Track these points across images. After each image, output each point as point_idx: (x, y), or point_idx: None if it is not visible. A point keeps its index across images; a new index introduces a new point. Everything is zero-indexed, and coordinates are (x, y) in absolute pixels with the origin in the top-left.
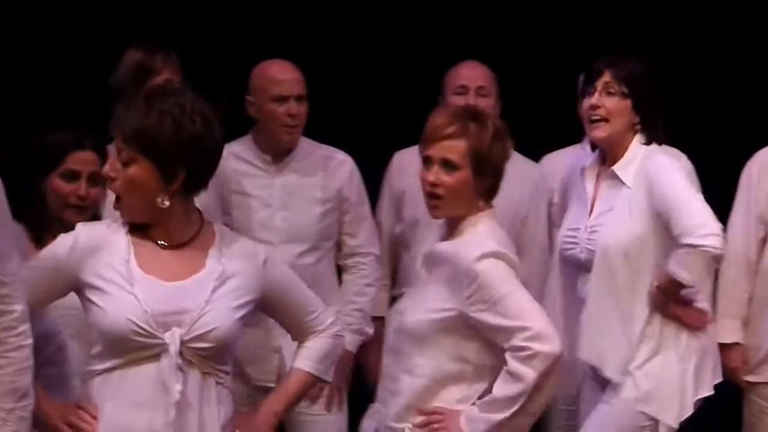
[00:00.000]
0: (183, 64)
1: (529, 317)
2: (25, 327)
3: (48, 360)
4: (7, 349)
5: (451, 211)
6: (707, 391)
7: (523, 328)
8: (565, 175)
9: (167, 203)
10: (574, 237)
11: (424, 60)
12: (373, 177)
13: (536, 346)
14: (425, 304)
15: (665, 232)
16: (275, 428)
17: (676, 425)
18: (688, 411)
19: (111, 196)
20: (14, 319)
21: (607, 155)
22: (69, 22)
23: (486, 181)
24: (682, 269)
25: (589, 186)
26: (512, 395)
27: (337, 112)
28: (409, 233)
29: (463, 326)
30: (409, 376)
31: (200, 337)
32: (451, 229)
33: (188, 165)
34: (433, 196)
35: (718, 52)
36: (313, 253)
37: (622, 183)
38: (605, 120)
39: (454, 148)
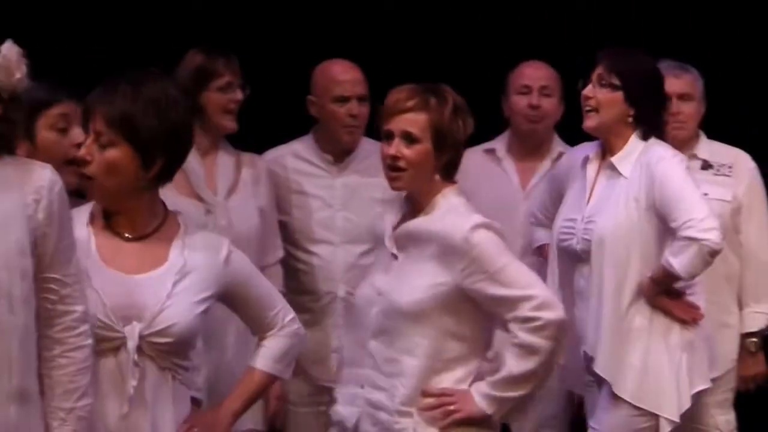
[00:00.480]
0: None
1: (531, 286)
2: (86, 327)
3: None
4: (67, 349)
5: (412, 184)
6: (703, 385)
7: (528, 297)
8: (565, 169)
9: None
10: (571, 227)
11: (477, 61)
12: None
13: (545, 314)
14: (414, 282)
15: (657, 224)
16: (231, 428)
17: (677, 418)
18: (687, 404)
19: None
20: (75, 319)
21: (605, 147)
22: (69, 22)
23: (446, 155)
24: (678, 262)
25: (590, 177)
26: (532, 370)
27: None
28: None
29: (459, 301)
30: (410, 357)
31: (160, 333)
32: (417, 206)
33: (167, 153)
34: (393, 169)
35: (718, 52)
36: (373, 253)
37: (620, 174)
38: (595, 110)
39: (415, 122)
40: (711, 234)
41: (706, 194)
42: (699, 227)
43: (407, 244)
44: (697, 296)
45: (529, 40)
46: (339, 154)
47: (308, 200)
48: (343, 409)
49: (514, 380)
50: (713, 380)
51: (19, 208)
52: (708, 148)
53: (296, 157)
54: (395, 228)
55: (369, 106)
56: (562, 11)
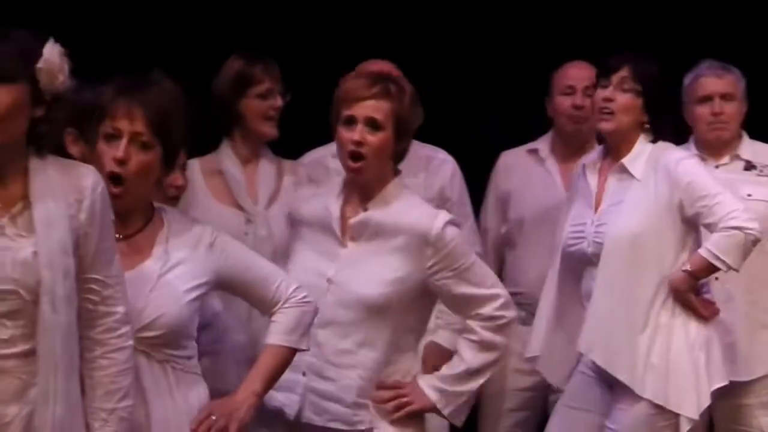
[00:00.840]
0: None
1: (495, 285)
2: (127, 329)
3: (206, 351)
4: (108, 350)
5: (371, 172)
6: (721, 381)
7: (495, 297)
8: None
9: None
10: (580, 231)
11: (532, 60)
12: (473, 177)
13: (508, 314)
14: (379, 275)
15: (679, 226)
16: (256, 408)
17: (697, 416)
18: (706, 402)
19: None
20: (116, 320)
21: (612, 150)
22: (69, 22)
23: (402, 144)
24: (725, 252)
25: (592, 182)
26: (489, 364)
27: (438, 112)
28: (515, 233)
29: (419, 295)
30: (368, 349)
31: (148, 327)
32: (368, 194)
33: (178, 155)
34: (355, 156)
35: (718, 53)
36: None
37: (632, 176)
38: (612, 113)
39: (379, 108)
40: (754, 224)
41: (749, 195)
42: (742, 218)
43: (364, 234)
44: (709, 295)
45: (529, 40)
46: None
47: None
48: (282, 396)
49: (469, 375)
50: (756, 381)
51: (62, 208)
52: (751, 148)
53: (337, 158)
54: (344, 217)
55: None
56: (562, 11)
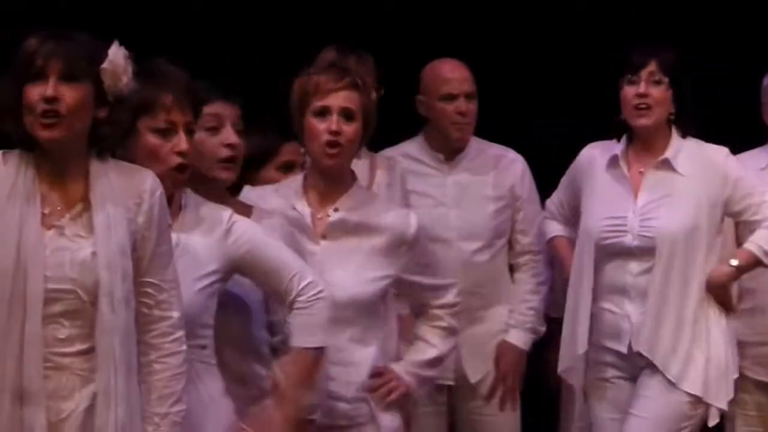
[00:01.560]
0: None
1: (447, 275)
2: (181, 333)
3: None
4: (162, 355)
5: (346, 162)
6: (736, 373)
7: (453, 285)
8: (584, 168)
9: None
10: (621, 225)
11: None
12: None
13: (461, 299)
14: (365, 273)
15: (717, 222)
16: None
17: (727, 408)
18: (732, 393)
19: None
20: (171, 325)
21: (643, 144)
22: (68, 22)
23: (364, 138)
24: None
25: (627, 174)
26: (452, 347)
27: (506, 111)
28: None
29: (391, 290)
30: (363, 345)
31: None
32: (330, 192)
33: None
34: (333, 144)
35: (718, 52)
36: (487, 250)
37: (673, 171)
38: (649, 108)
39: (352, 99)
40: None
41: None
42: None
43: (338, 232)
44: None
45: (529, 40)
46: (450, 152)
47: (421, 199)
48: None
49: (439, 360)
50: None
51: (121, 211)
52: None
53: (407, 157)
54: (313, 215)
55: (477, 104)
56: (562, 11)
